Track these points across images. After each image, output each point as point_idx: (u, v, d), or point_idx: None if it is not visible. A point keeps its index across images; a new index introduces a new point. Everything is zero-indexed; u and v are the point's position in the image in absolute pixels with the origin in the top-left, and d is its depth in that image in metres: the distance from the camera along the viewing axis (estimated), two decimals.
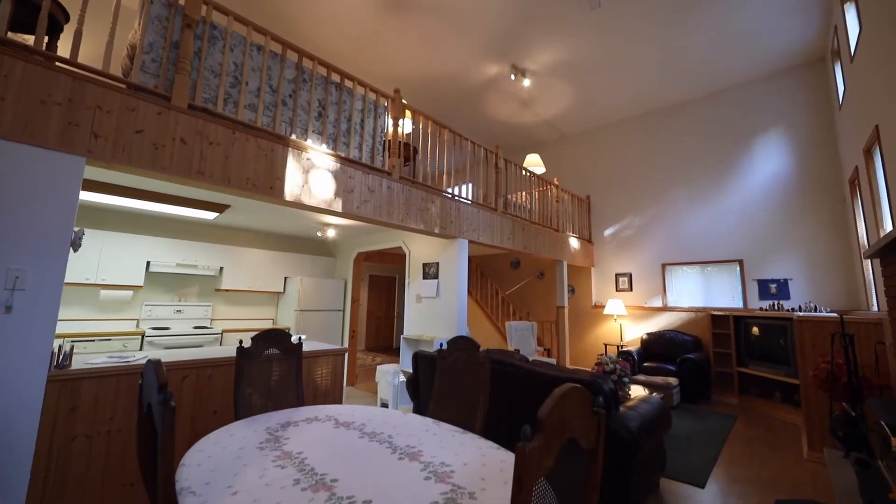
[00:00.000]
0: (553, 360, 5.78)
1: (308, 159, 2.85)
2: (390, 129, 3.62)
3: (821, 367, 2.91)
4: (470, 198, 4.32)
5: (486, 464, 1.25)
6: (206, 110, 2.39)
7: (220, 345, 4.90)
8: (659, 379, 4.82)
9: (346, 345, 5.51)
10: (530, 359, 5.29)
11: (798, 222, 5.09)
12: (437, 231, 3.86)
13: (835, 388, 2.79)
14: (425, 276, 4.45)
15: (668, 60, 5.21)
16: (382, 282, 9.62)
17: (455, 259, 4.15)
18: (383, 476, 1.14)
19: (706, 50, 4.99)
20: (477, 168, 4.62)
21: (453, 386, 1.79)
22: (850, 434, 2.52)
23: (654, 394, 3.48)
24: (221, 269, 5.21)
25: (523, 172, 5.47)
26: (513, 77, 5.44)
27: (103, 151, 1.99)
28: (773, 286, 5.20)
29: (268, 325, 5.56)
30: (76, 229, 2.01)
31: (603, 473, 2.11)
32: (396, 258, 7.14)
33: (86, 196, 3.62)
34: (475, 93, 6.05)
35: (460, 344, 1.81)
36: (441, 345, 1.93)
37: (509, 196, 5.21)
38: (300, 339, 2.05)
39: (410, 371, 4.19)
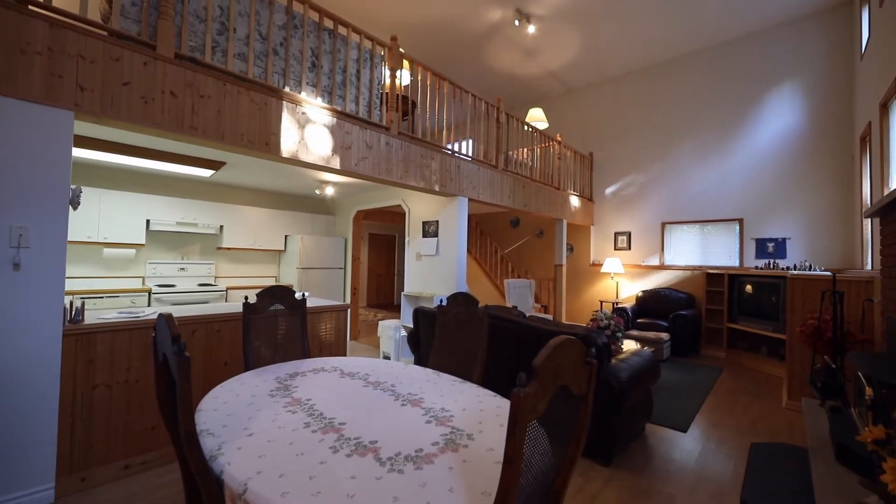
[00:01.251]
0: (549, 317, 5.96)
1: (303, 113, 2.76)
2: (387, 81, 3.46)
3: (808, 322, 3.01)
4: (470, 154, 4.23)
5: (483, 409, 1.34)
6: (193, 60, 2.27)
7: (226, 301, 5.03)
8: (651, 334, 5.00)
9: (348, 302, 5.65)
10: (527, 315, 5.46)
11: (802, 181, 5.02)
12: (436, 189, 3.82)
13: (819, 343, 2.91)
14: (425, 234, 4.47)
15: (682, 3, 4.87)
16: (382, 240, 9.67)
17: (455, 217, 4.14)
18: (387, 420, 1.23)
19: None
20: (478, 123, 4.48)
21: (453, 339, 1.87)
22: (828, 384, 2.66)
23: (646, 348, 3.63)
24: (222, 227, 5.22)
25: (525, 128, 5.31)
26: (517, 23, 5.11)
27: (91, 105, 1.92)
28: (770, 245, 5.24)
29: (271, 282, 5.67)
30: (73, 187, 2.00)
31: (593, 419, 2.26)
32: (396, 216, 7.12)
33: (80, 153, 3.54)
34: (476, 42, 5.71)
35: (460, 300, 1.87)
36: (441, 301, 1.99)
37: (510, 153, 5.09)
38: (304, 295, 2.11)
39: (411, 326, 4.34)
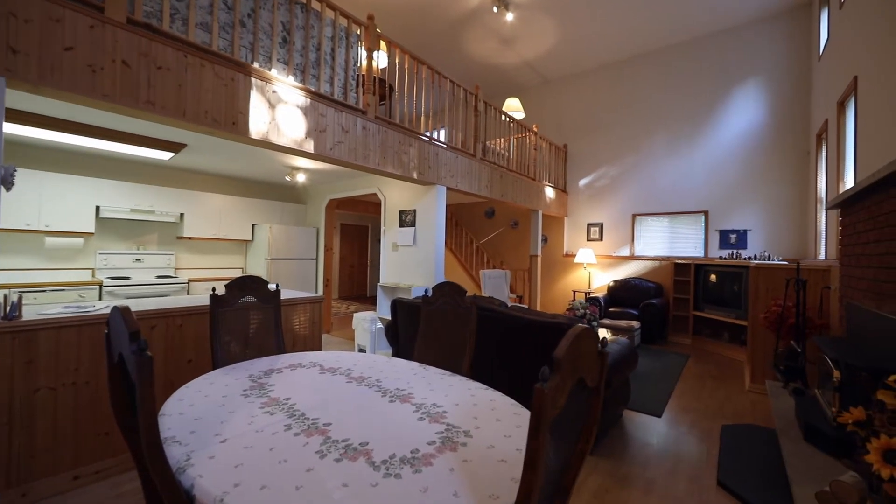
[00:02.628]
0: (525, 307, 6.01)
1: (274, 92, 2.57)
2: (364, 63, 3.29)
3: (772, 309, 3.17)
4: (448, 142, 4.13)
5: (476, 403, 1.28)
6: (149, 27, 2.04)
7: (188, 294, 4.71)
8: (623, 322, 5.14)
9: (320, 293, 5.45)
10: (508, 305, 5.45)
11: (762, 175, 5.28)
12: (415, 176, 3.71)
13: (782, 328, 3.07)
14: (402, 223, 4.35)
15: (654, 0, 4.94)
16: (355, 230, 9.42)
17: (433, 206, 4.05)
18: (376, 419, 1.15)
19: None
20: (456, 111, 4.38)
21: (439, 330, 1.80)
22: (791, 367, 2.81)
23: (620, 336, 3.71)
24: (182, 215, 4.86)
25: (503, 118, 5.26)
26: (495, 9, 5.02)
27: (27, 71, 1.68)
28: (733, 236, 5.50)
29: (237, 274, 5.37)
30: (5, 165, 1.75)
31: None
32: (370, 206, 6.93)
33: (17, 129, 3.15)
34: (453, 27, 5.58)
35: (446, 290, 1.80)
36: (426, 291, 1.91)
37: (488, 142, 5.03)
38: (277, 286, 1.96)
39: (388, 318, 4.23)
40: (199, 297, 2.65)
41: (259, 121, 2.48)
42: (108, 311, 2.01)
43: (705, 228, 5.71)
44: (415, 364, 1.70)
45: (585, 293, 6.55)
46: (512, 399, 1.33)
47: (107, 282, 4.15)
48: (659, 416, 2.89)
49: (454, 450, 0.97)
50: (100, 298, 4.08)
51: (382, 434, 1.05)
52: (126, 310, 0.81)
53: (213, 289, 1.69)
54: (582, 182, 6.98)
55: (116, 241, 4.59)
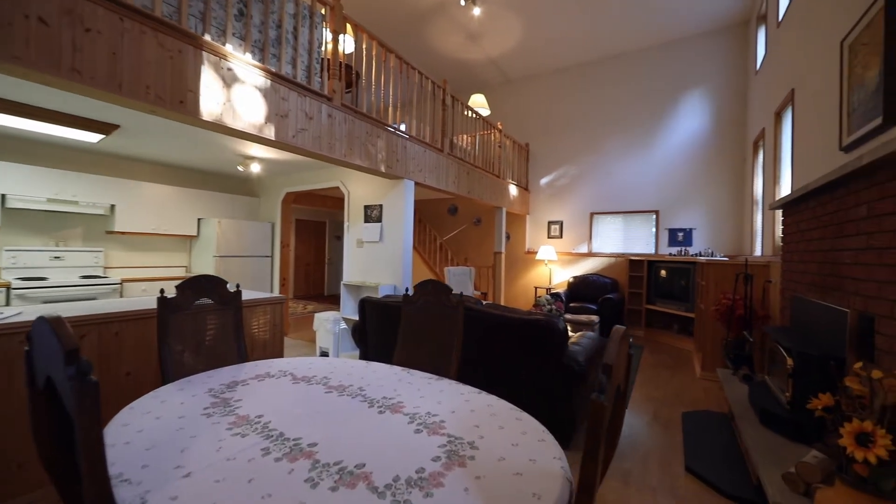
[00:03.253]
0: (499, 304, 6.04)
1: (229, 70, 2.30)
2: (329, 46, 3.08)
3: (722, 302, 3.40)
4: (416, 136, 4.00)
5: (474, 409, 1.19)
6: None
7: (121, 296, 4.18)
8: (583, 317, 5.32)
9: (276, 293, 5.09)
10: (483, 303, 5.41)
11: (705, 178, 5.70)
12: (382, 170, 3.54)
13: (731, 320, 3.30)
14: (367, 219, 4.16)
15: (620, 6, 5.13)
16: (311, 226, 8.96)
17: (401, 201, 3.90)
18: (368, 434, 1.02)
19: (655, 1, 5.00)
20: (424, 104, 4.25)
21: (422, 332, 1.69)
22: (740, 355, 3.03)
23: (588, 332, 3.81)
24: (113, 207, 4.30)
25: (468, 113, 5.21)
26: (463, 2, 4.94)
27: None
28: (680, 234, 5.88)
29: (179, 273, 4.86)
30: None
31: (555, 403, 2.26)
32: (328, 200, 6.61)
33: None
34: (420, 18, 5.43)
35: (429, 288, 1.69)
36: (406, 290, 1.79)
37: (454, 138, 4.96)
38: (237, 287, 1.75)
39: (352, 318, 4.03)
40: (139, 300, 2.32)
41: (212, 101, 2.21)
42: (19, 319, 1.68)
43: (656, 227, 6.06)
44: (397, 368, 1.58)
45: (547, 289, 6.72)
46: (508, 402, 1.26)
47: (16, 283, 3.56)
48: (625, 406, 2.99)
49: (463, 465, 0.88)
50: (7, 303, 3.49)
51: (379, 452, 0.93)
52: (58, 321, 0.63)
53: (162, 291, 1.45)
54: (543, 181, 7.14)
55: (29, 235, 3.95)
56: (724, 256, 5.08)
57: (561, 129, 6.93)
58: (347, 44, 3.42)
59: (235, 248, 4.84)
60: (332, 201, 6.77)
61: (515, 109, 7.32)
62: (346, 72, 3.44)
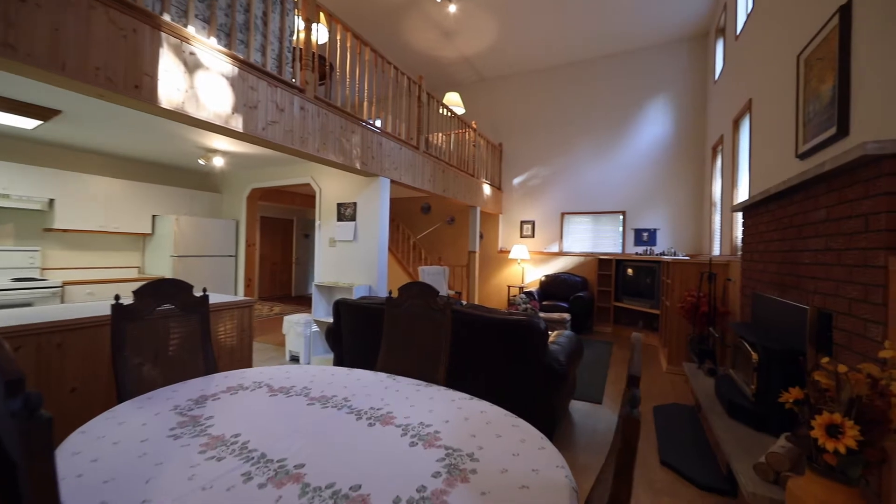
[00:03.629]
0: (479, 305, 6.03)
1: (192, 54, 2.12)
2: (301, 35, 2.92)
3: (687, 299, 3.56)
4: (392, 133, 3.91)
5: (468, 417, 1.15)
6: None
7: (62, 302, 3.79)
8: (556, 315, 5.43)
9: (241, 295, 4.82)
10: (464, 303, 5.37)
11: (668, 180, 5.97)
12: (357, 166, 3.42)
13: (695, 316, 3.46)
14: (340, 217, 4.01)
15: (591, 12, 5.25)
16: (277, 224, 8.59)
17: (376, 199, 3.80)
18: (360, 451, 0.95)
19: (623, 9, 5.16)
20: (399, 100, 4.16)
21: (407, 336, 1.63)
22: (705, 350, 3.18)
23: (566, 331, 3.87)
24: (52, 201, 3.89)
25: (444, 111, 5.16)
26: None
27: None
28: (645, 234, 6.13)
29: (131, 274, 4.48)
30: None
31: (537, 402, 2.26)
32: (297, 198, 6.35)
33: None
34: (395, 11, 5.32)
35: (414, 291, 1.63)
36: (389, 292, 1.72)
37: (429, 136, 4.90)
38: (205, 291, 1.61)
39: (325, 321, 3.88)
40: (86, 306, 2.09)
41: (172, 87, 2.02)
42: None
43: (623, 227, 6.29)
44: (382, 375, 1.51)
45: (520, 288, 6.80)
46: (502, 408, 1.23)
47: None
48: (600, 402, 3.06)
49: (466, 480, 0.84)
50: None
51: (374, 471, 0.87)
52: None
53: (117, 297, 1.30)
54: (516, 181, 7.22)
55: None
56: (685, 255, 5.34)
57: (533, 130, 7.03)
58: (321, 34, 3.27)
59: (195, 248, 4.52)
60: (301, 198, 6.52)
61: (488, 109, 7.35)
62: (320, 63, 3.29)
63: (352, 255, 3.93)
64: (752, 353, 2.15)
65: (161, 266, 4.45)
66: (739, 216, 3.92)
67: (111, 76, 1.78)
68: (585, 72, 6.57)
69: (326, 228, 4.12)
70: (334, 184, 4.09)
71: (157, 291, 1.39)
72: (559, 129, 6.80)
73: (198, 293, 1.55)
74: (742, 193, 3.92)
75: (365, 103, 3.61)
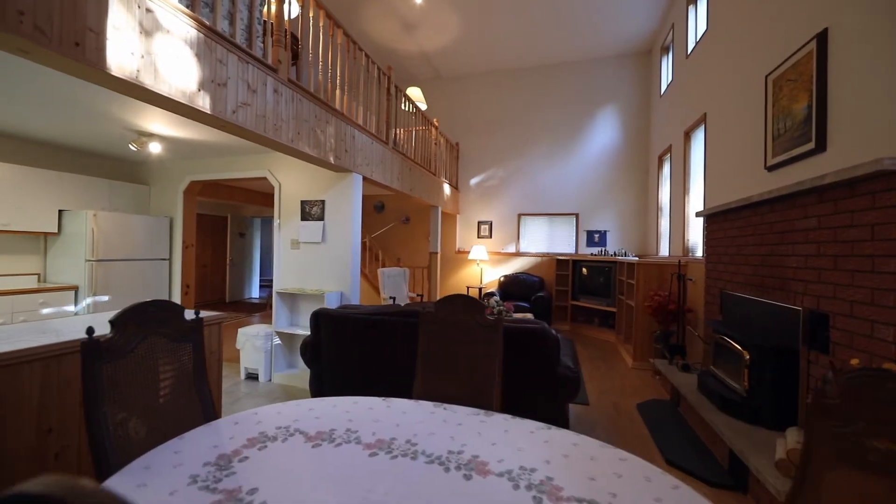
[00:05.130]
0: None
1: (149, 12, 1.68)
2: (273, 7, 2.53)
3: (654, 298, 3.79)
4: (364, 126, 3.60)
5: (567, 454, 1.01)
6: None
7: None
8: (519, 315, 5.50)
9: (178, 302, 4.10)
10: (402, 305, 5.18)
11: (617, 185, 6.39)
12: (331, 160, 3.08)
13: (663, 314, 3.70)
14: (305, 216, 3.60)
15: (549, 20, 5.38)
16: (209, 222, 7.59)
17: (348, 198, 3.47)
18: None
19: (578, 20, 5.37)
20: (370, 91, 3.85)
21: (450, 356, 1.44)
22: (675, 346, 3.40)
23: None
24: None
25: (408, 107, 4.92)
26: None
27: None
28: (596, 236, 6.49)
29: (29, 283, 3.56)
30: None
31: (555, 412, 2.19)
32: (235, 192, 5.66)
33: None
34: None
35: (458, 304, 1.44)
36: (424, 305, 1.51)
37: (396, 131, 4.64)
38: (198, 314, 1.25)
39: (288, 332, 3.46)
40: (7, 331, 1.55)
41: (124, 50, 1.58)
42: None
43: (576, 228, 6.60)
44: (427, 405, 1.30)
45: (479, 288, 6.81)
46: (585, 436, 1.11)
47: None
48: (588, 403, 3.12)
49: None
50: None
51: None
52: None
53: (90, 331, 0.93)
54: (473, 181, 7.20)
55: None
56: (635, 256, 5.74)
57: (490, 131, 7.07)
58: (292, 7, 2.87)
59: (119, 250, 3.74)
60: (240, 193, 5.81)
61: (446, 108, 7.23)
62: (293, 41, 2.89)
63: (319, 259, 3.54)
64: (744, 351, 2.30)
65: (71, 273, 3.60)
66: (694, 220, 4.30)
67: (41, 26, 1.32)
68: (542, 77, 6.77)
69: (288, 228, 3.67)
70: (297, 179, 3.66)
71: (142, 318, 1.03)
72: (516, 131, 6.92)
73: (189, 315, 1.20)
74: (695, 200, 4.29)
75: (337, 91, 3.26)
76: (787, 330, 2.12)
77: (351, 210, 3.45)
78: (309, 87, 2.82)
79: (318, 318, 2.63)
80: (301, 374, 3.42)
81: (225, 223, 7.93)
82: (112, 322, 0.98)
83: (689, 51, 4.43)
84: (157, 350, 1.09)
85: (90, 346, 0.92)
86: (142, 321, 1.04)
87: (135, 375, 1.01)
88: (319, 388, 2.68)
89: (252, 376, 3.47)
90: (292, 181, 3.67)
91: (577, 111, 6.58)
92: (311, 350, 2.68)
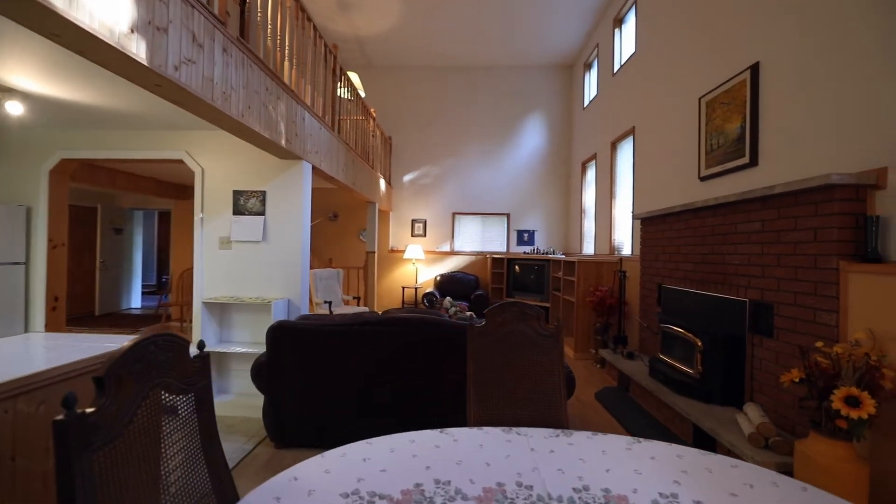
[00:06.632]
0: (365, 308, 5.47)
1: None
2: None
3: (596, 293, 4.10)
4: (312, 108, 3.15)
5: (685, 470, 0.95)
6: None
7: None
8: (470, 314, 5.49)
9: (39, 323, 3.04)
10: (335, 309, 4.78)
11: (543, 188, 6.83)
12: (283, 144, 2.61)
13: (603, 308, 4.02)
14: (239, 210, 3.01)
15: (487, 22, 5.46)
16: (72, 213, 5.91)
17: (297, 189, 3.00)
18: None
19: (513, 25, 5.56)
20: (317, 70, 3.39)
21: (506, 371, 1.27)
22: (619, 337, 3.72)
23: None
24: None
25: (345, 93, 4.49)
26: None
27: None
28: (525, 235, 6.85)
29: None
30: None
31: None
32: (118, 177, 4.54)
33: None
34: None
35: (513, 313, 1.29)
36: (471, 316, 1.32)
37: (339, 118, 4.20)
38: (202, 346, 0.87)
39: (217, 351, 2.85)
40: None
41: None
42: None
43: (507, 228, 6.87)
44: (493, 430, 1.13)
45: (415, 288, 6.62)
46: (685, 446, 1.07)
47: None
48: None
49: None
50: None
51: None
52: None
53: (69, 402, 0.54)
54: (406, 178, 6.98)
55: None
56: (562, 254, 6.20)
57: (424, 128, 6.93)
58: None
59: None
60: (124, 178, 4.67)
61: (378, 99, 6.85)
62: None
63: (260, 261, 2.99)
64: (696, 339, 2.59)
65: None
66: (621, 222, 4.78)
67: None
68: (477, 78, 6.86)
69: (215, 224, 3.02)
70: (228, 164, 3.03)
71: (143, 365, 0.66)
72: (450, 130, 6.90)
73: (192, 349, 0.83)
74: (622, 204, 4.77)
75: (286, 63, 2.78)
76: (732, 319, 2.44)
77: (301, 204, 2.98)
78: (258, 53, 2.33)
79: (278, 332, 2.19)
80: (238, 400, 2.84)
81: (93, 216, 6.29)
82: (100, 379, 0.59)
83: (615, 69, 4.91)
84: (158, 412, 0.71)
85: (74, 426, 0.54)
86: (143, 371, 0.66)
87: (136, 455, 0.64)
88: (277, 416, 2.24)
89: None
90: (221, 166, 3.02)
91: (509, 115, 6.83)
92: (269, 371, 2.22)
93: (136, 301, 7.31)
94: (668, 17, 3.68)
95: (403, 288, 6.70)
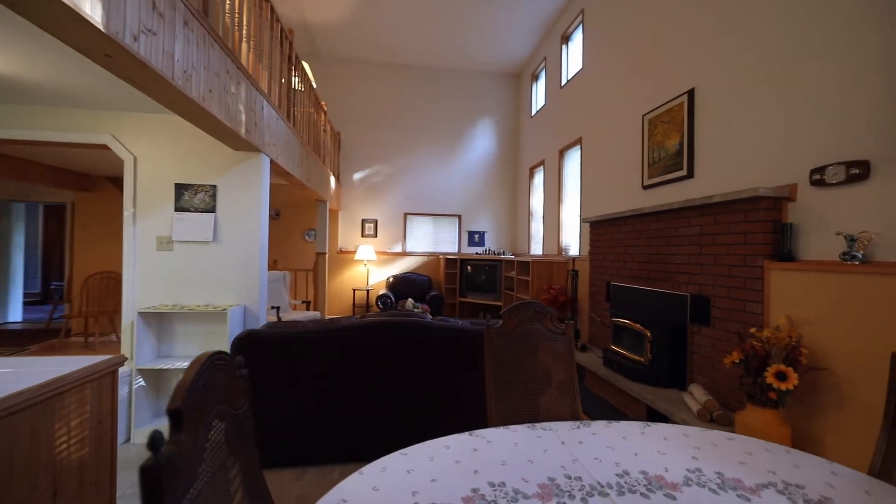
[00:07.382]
0: (316, 314, 5.18)
1: None
2: None
3: (550, 291, 4.35)
4: (269, 97, 2.90)
5: (698, 446, 1.05)
6: None
7: None
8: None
9: None
10: (283, 315, 4.50)
11: (491, 190, 7.05)
12: (242, 133, 2.37)
13: (556, 305, 4.28)
14: (183, 206, 2.66)
15: (440, 22, 5.50)
16: None
17: (256, 185, 2.74)
18: None
19: (466, 28, 5.68)
20: (273, 56, 3.13)
21: (521, 370, 1.30)
22: (577, 331, 3.98)
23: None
24: None
25: (297, 85, 4.22)
26: None
27: None
28: (476, 236, 7.02)
29: None
30: None
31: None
32: (19, 165, 3.78)
33: None
34: None
35: (528, 313, 1.31)
36: (487, 319, 1.32)
37: (294, 109, 3.92)
38: (239, 357, 0.76)
39: (157, 368, 2.49)
40: None
41: None
42: None
43: (459, 229, 6.98)
44: (519, 428, 1.15)
45: (366, 290, 6.43)
46: (693, 427, 1.19)
47: None
48: None
49: None
50: None
51: None
52: None
53: (155, 443, 0.44)
54: (356, 176, 6.75)
55: None
56: (511, 255, 6.46)
57: (375, 125, 6.76)
58: None
59: None
60: (22, 165, 3.89)
61: (325, 92, 6.52)
62: None
63: (210, 264, 2.68)
64: (646, 330, 2.88)
65: None
66: (568, 224, 5.11)
67: None
68: (429, 79, 6.86)
69: (151, 221, 2.63)
70: (168, 153, 2.66)
71: (209, 388, 0.56)
72: (403, 129, 6.82)
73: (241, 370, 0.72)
74: (569, 208, 5.11)
75: (244, 45, 2.52)
76: (675, 311, 2.75)
77: (260, 201, 2.73)
78: (217, 30, 2.09)
79: (246, 343, 1.99)
80: None
81: None
82: (177, 413, 0.49)
83: (562, 83, 5.24)
84: (221, 446, 0.61)
85: (159, 472, 0.44)
86: (205, 398, 0.57)
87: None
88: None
89: None
90: (159, 156, 2.64)
91: (460, 117, 6.94)
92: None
93: (15, 313, 6.08)
94: (613, 38, 4.03)
95: (354, 290, 6.47)
